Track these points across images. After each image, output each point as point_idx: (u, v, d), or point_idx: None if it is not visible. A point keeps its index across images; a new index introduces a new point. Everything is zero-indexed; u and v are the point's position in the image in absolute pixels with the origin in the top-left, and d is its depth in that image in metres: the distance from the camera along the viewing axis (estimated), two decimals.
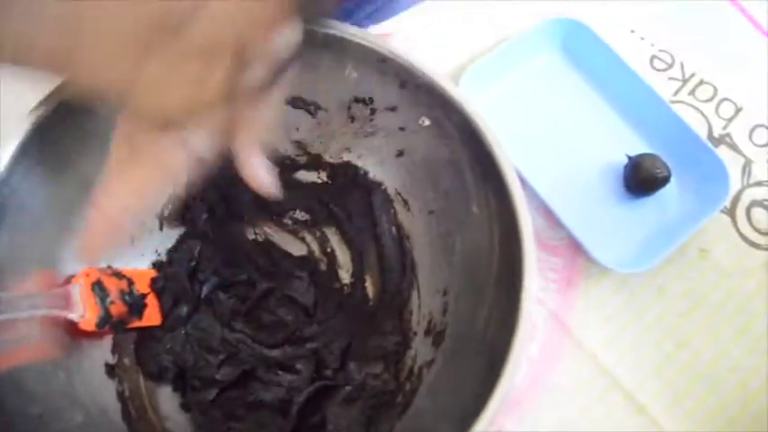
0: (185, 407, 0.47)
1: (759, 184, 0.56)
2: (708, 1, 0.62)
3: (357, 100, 0.46)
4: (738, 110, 0.58)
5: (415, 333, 0.48)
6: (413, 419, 0.44)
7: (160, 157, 0.33)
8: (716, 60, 0.60)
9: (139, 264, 0.49)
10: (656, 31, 0.61)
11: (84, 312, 0.41)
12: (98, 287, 0.42)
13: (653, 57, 0.60)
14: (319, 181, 0.51)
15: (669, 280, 0.52)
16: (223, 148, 0.34)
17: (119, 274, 0.45)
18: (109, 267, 0.45)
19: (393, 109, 0.46)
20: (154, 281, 0.47)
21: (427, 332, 0.47)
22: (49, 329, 0.41)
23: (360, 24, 0.57)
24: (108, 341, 0.46)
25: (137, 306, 0.45)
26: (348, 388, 0.47)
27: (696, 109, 0.58)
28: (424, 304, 0.48)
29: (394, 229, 0.50)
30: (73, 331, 0.42)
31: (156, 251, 0.50)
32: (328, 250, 0.53)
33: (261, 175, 0.36)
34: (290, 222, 0.53)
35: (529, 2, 0.60)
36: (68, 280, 0.42)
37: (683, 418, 0.49)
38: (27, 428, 0.38)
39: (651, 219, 0.54)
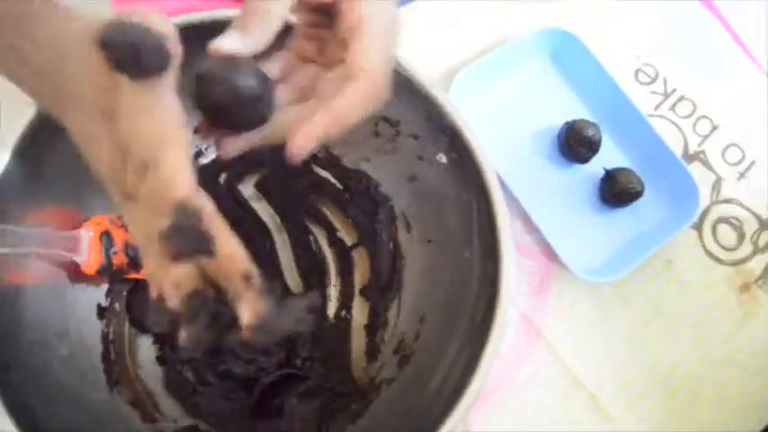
0: (161, 360, 0.50)
1: (727, 201, 0.59)
2: (694, 17, 0.63)
3: (385, 119, 0.48)
4: (714, 127, 0.61)
5: (384, 344, 0.51)
6: (364, 430, 0.47)
7: None
8: (697, 77, 0.62)
9: None
10: (643, 45, 0.62)
11: (87, 258, 0.44)
12: (106, 237, 0.45)
13: (638, 70, 0.62)
14: (331, 180, 0.54)
15: (634, 289, 0.55)
16: None
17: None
18: (120, 218, 0.47)
19: (415, 137, 0.48)
20: None
21: (396, 351, 0.50)
22: (52, 264, 0.46)
23: None
24: (105, 285, 0.50)
25: (137, 261, 0.47)
26: (309, 382, 0.50)
27: (675, 124, 0.60)
28: (400, 322, 0.51)
29: (392, 244, 0.53)
30: (74, 271, 0.46)
31: None
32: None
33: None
34: None
35: (521, 8, 0.61)
36: (79, 224, 0.46)
37: (638, 420, 0.53)
38: (18, 351, 0.42)
39: (623, 230, 0.57)
